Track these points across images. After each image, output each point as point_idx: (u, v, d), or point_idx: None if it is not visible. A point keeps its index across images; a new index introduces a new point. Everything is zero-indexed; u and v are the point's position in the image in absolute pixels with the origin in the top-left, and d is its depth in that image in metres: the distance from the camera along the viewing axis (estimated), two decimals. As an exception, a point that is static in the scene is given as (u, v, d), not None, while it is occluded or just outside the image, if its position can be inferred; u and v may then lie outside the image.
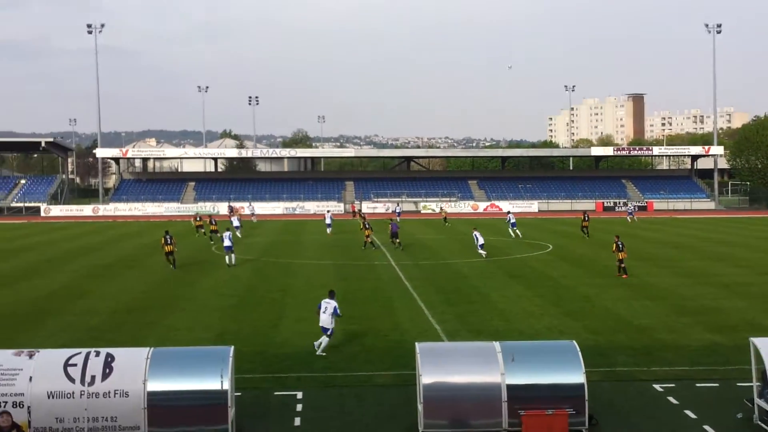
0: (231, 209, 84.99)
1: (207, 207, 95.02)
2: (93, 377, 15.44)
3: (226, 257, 41.68)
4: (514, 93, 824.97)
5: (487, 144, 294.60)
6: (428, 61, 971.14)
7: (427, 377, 15.94)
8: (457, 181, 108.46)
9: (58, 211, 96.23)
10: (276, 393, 18.88)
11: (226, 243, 42.08)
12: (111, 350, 16.22)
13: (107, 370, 15.54)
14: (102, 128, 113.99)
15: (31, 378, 15.41)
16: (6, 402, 15.22)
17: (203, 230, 60.97)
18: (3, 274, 39.38)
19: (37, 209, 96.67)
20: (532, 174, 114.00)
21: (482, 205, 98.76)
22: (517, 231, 58.09)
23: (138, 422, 15.35)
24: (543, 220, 79.35)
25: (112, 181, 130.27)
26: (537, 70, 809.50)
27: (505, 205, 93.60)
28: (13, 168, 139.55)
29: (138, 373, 15.53)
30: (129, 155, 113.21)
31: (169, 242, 40.78)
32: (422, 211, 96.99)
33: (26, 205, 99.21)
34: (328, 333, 22.42)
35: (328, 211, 70.84)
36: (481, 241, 44.75)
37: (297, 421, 17.02)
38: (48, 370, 15.58)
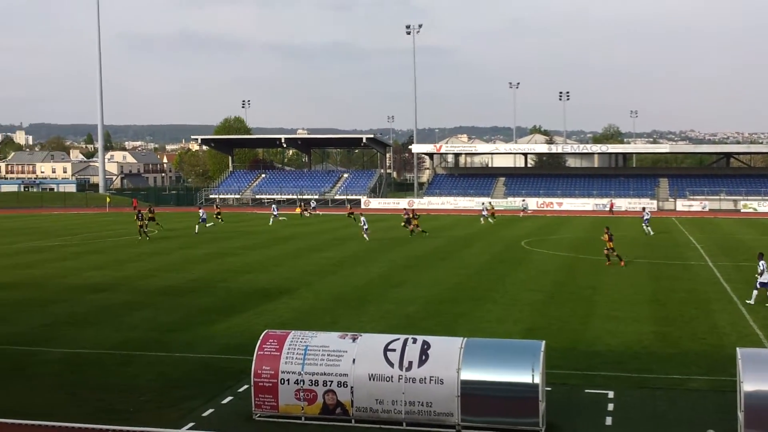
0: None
1: (516, 202, 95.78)
2: (410, 363, 16.17)
3: None
4: None
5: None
6: (753, 56, 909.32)
7: (749, 385, 15.08)
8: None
9: (376, 203, 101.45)
10: (587, 390, 18.72)
11: None
12: (427, 338, 16.89)
13: (423, 357, 16.20)
14: (417, 125, 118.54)
15: (354, 360, 16.41)
16: (332, 381, 16.36)
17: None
18: (331, 261, 42.18)
19: (358, 201, 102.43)
20: None
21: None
22: (648, 229, 57.23)
23: (452, 409, 15.89)
24: None
25: (426, 176, 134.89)
26: None
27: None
28: (337, 163, 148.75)
29: (452, 361, 16.05)
30: (442, 151, 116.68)
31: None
32: (742, 210, 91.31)
33: (348, 197, 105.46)
34: None
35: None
36: None
37: (608, 421, 16.77)
38: (369, 354, 16.50)
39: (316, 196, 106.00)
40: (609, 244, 40.08)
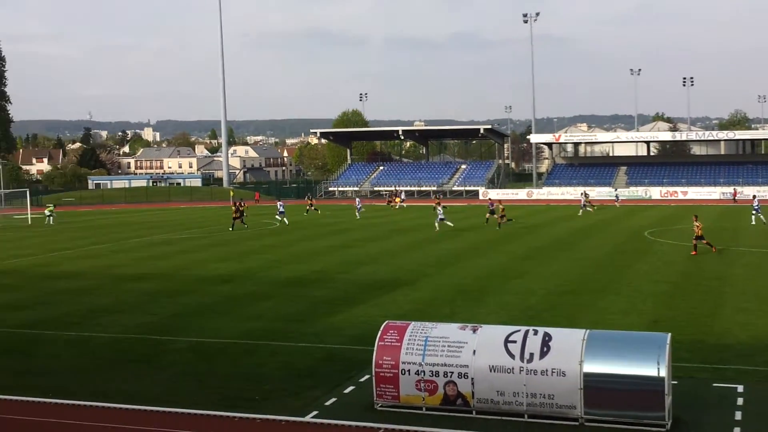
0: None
1: (639, 191, 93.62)
2: (531, 354, 16.01)
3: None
4: None
5: None
6: None
7: None
8: None
9: (494, 194, 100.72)
10: (715, 384, 18.15)
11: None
12: (548, 329, 16.69)
13: (545, 349, 16.02)
14: (536, 115, 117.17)
15: (474, 351, 16.35)
16: (452, 372, 16.35)
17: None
18: (450, 253, 42.15)
19: (476, 192, 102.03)
20: None
21: None
22: (761, 217, 54.64)
23: (574, 402, 15.66)
24: None
25: (544, 166, 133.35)
26: None
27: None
28: (455, 154, 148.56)
29: (574, 353, 15.81)
30: (561, 140, 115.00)
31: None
32: None
33: (466, 188, 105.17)
34: None
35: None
36: None
37: (738, 415, 16.21)
38: (490, 345, 16.41)
39: (434, 188, 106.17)
40: (698, 232, 39.67)
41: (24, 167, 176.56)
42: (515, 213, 71.49)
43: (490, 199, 73.96)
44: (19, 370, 20.73)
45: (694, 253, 39.17)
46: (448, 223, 55.07)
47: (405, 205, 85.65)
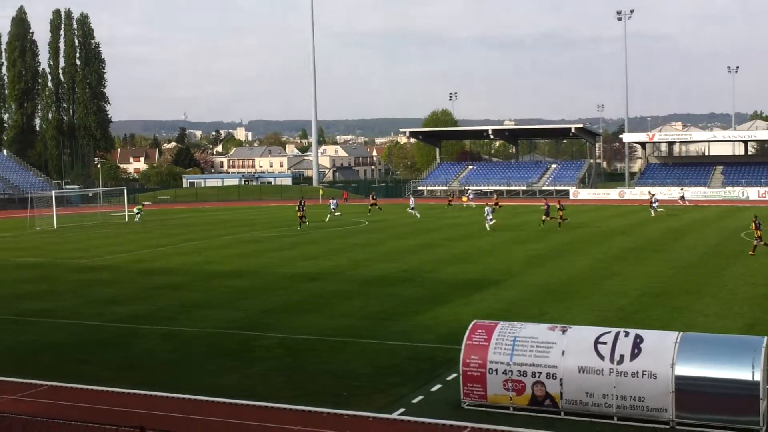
0: None
1: (735, 192, 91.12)
2: (622, 356, 15.76)
3: None
4: None
5: None
6: None
7: None
8: None
9: (585, 194, 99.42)
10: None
11: None
12: (640, 331, 16.41)
13: (636, 351, 15.75)
14: (628, 113, 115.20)
15: (563, 352, 16.19)
16: (540, 373, 16.22)
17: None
18: (540, 253, 41.78)
19: (566, 192, 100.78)
20: None
21: None
22: None
23: (665, 405, 15.37)
24: None
25: (637, 165, 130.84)
26: None
27: None
28: (545, 153, 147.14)
29: (666, 356, 15.51)
30: (655, 139, 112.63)
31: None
32: None
33: (556, 188, 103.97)
34: None
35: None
36: None
37: (838, 423, 15.67)
38: (579, 346, 16.22)
39: (524, 187, 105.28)
40: (757, 233, 39.47)
41: (122, 166, 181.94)
42: (605, 213, 70.44)
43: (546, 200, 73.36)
44: (118, 362, 21.39)
45: (751, 253, 38.81)
46: (489, 225, 54.87)
47: (474, 204, 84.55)
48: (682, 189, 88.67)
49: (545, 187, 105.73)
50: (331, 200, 72.59)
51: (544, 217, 57.38)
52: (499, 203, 59.75)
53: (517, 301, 28.43)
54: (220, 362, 21.15)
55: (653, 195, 74.51)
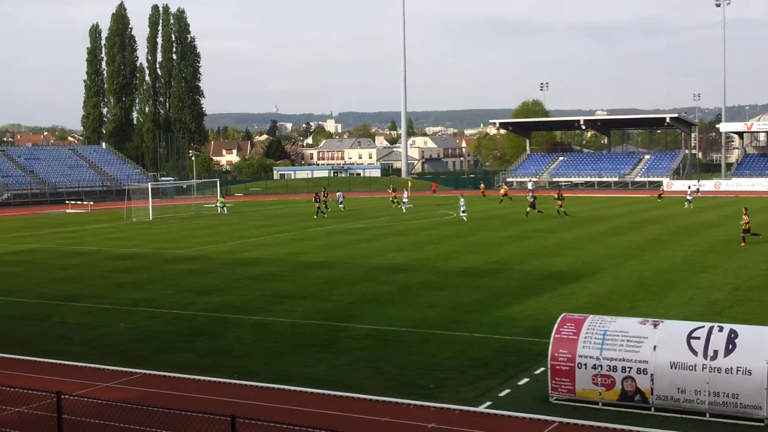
0: None
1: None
2: (716, 352, 15.40)
3: None
4: None
5: None
6: None
7: None
8: None
9: (679, 185, 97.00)
10: None
11: None
12: (734, 326, 16.01)
13: (730, 346, 15.36)
14: (726, 102, 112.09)
15: (654, 347, 15.88)
16: (631, 368, 15.94)
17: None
18: (632, 245, 41.05)
19: (659, 183, 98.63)
20: None
21: None
22: None
23: (760, 402, 14.96)
24: None
25: (734, 156, 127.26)
26: None
27: None
28: (638, 144, 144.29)
29: (762, 351, 15.08)
30: (753, 129, 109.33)
31: None
32: None
33: (649, 179, 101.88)
34: None
35: None
36: None
37: None
38: (671, 341, 15.90)
39: (615, 179, 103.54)
40: (745, 225, 40.57)
41: (215, 158, 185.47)
42: (698, 204, 68.65)
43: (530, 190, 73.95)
44: (210, 351, 21.85)
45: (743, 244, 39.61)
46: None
47: (511, 197, 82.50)
48: (699, 182, 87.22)
49: (638, 179, 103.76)
50: (337, 193, 75.96)
51: (528, 209, 59.15)
52: (562, 194, 58.84)
53: (608, 295, 28.01)
54: (308, 352, 21.41)
55: (694, 186, 73.05)
